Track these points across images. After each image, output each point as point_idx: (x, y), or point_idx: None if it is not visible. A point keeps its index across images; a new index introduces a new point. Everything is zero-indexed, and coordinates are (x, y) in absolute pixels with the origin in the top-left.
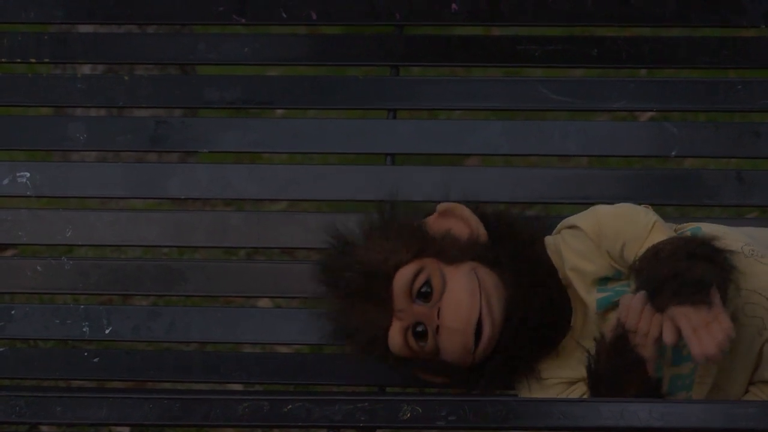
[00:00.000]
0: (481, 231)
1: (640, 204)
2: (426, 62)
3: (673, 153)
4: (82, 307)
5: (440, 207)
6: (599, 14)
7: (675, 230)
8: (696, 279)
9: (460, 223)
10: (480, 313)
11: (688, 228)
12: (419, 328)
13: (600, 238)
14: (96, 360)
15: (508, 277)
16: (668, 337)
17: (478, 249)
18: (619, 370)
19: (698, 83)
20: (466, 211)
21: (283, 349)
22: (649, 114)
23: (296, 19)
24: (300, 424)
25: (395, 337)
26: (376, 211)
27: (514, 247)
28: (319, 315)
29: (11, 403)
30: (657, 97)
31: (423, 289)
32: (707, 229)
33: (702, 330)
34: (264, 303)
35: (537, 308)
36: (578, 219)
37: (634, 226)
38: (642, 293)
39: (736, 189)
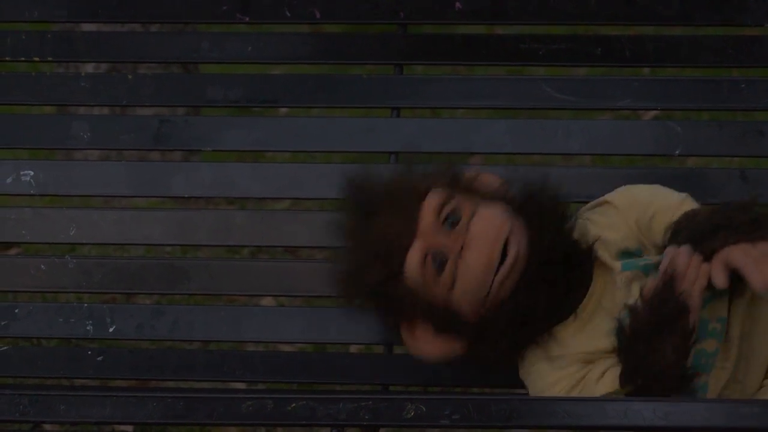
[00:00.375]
0: (510, 189)
1: None
2: (430, 61)
3: (677, 152)
4: (85, 305)
5: (468, 173)
6: (603, 13)
7: None
8: (750, 218)
9: (491, 177)
10: (508, 234)
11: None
12: (439, 258)
13: (629, 209)
14: (99, 359)
15: (534, 225)
16: (719, 280)
17: (507, 196)
18: (662, 321)
19: (702, 82)
20: (495, 177)
21: (287, 348)
22: (653, 113)
23: (300, 17)
24: (304, 422)
25: (414, 254)
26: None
27: (541, 205)
28: (335, 230)
29: (15, 402)
30: (660, 96)
31: (451, 218)
32: None
33: (763, 261)
34: (267, 302)
35: (557, 259)
36: (605, 196)
37: (665, 198)
38: (687, 245)
39: (739, 188)
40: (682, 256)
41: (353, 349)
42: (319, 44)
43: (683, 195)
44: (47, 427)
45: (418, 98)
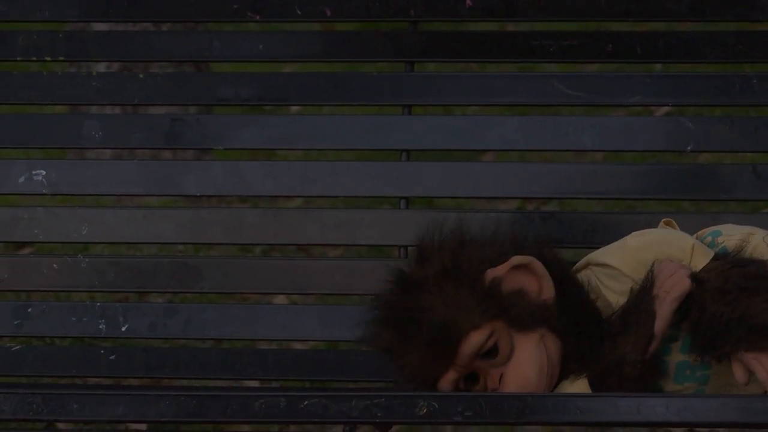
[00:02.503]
0: (552, 292)
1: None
2: (440, 58)
3: (689, 148)
4: (98, 304)
5: (515, 260)
6: (614, 9)
7: (696, 236)
8: (763, 323)
9: (531, 278)
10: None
11: (708, 232)
12: (471, 379)
13: (636, 273)
14: (112, 357)
15: (572, 340)
16: (742, 379)
17: (550, 316)
18: (628, 321)
19: (714, 78)
20: (540, 268)
21: (299, 346)
22: (665, 109)
23: (310, 15)
24: (316, 420)
25: (446, 384)
26: (441, 246)
27: (579, 311)
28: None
29: (28, 401)
30: (672, 92)
31: (489, 350)
32: (726, 231)
33: None
34: (280, 300)
35: (580, 358)
36: (607, 257)
37: (670, 251)
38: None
39: (752, 183)
40: (667, 265)
41: (366, 346)
42: (330, 42)
43: (689, 241)
44: (60, 425)
45: (429, 96)
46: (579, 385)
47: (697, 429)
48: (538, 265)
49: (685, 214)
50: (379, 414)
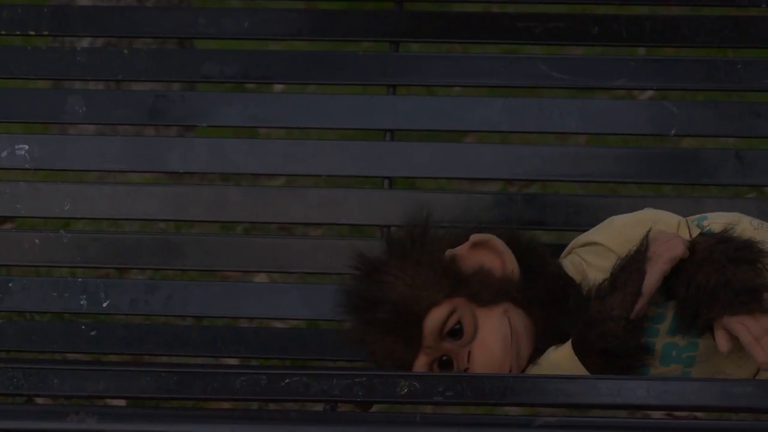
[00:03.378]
0: (515, 267)
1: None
2: (426, 38)
3: (672, 132)
4: (79, 280)
5: (474, 238)
6: None
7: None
8: (748, 287)
9: (492, 256)
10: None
11: (695, 218)
12: (445, 358)
13: (623, 247)
14: (93, 333)
15: (539, 314)
16: (723, 346)
17: (511, 289)
18: (617, 278)
19: (698, 62)
20: (500, 245)
21: (280, 325)
22: (649, 93)
23: None
24: (297, 398)
25: (420, 369)
26: (406, 233)
27: (546, 286)
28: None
29: (8, 375)
30: (657, 76)
31: (454, 328)
32: (713, 217)
33: (764, 338)
34: (261, 278)
35: (563, 336)
36: (594, 235)
37: (657, 227)
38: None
39: (735, 168)
40: (662, 234)
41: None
42: (315, 21)
43: (675, 218)
44: (40, 400)
45: (413, 76)
46: (563, 350)
47: (677, 413)
48: (498, 242)
49: (667, 198)
50: (360, 393)
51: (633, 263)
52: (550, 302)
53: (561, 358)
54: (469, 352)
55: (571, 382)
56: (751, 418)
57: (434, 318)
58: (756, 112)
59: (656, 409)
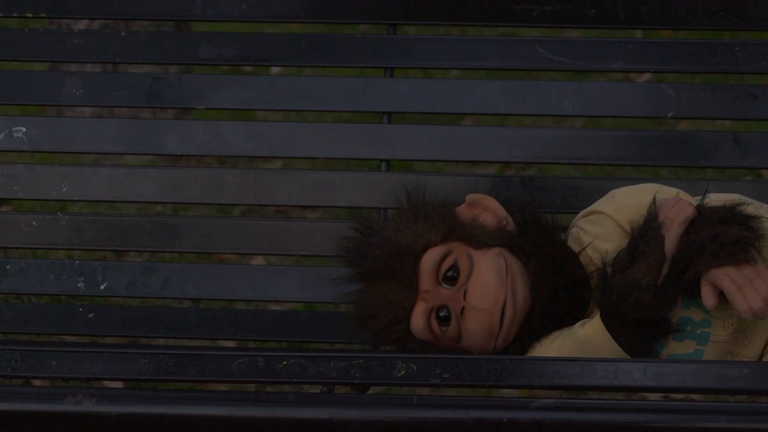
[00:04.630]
0: (509, 221)
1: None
2: (423, 21)
3: (670, 114)
4: (77, 262)
5: (469, 197)
6: None
7: None
8: (734, 239)
9: (487, 213)
10: (504, 299)
11: (697, 199)
12: (443, 312)
13: (621, 213)
14: (90, 315)
15: (533, 263)
16: (709, 302)
17: (505, 236)
18: (637, 247)
19: (695, 45)
20: (494, 202)
21: (277, 307)
22: (646, 75)
23: None
24: (295, 380)
25: (418, 318)
26: (405, 197)
27: (539, 236)
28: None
29: (6, 357)
30: (654, 59)
31: (449, 273)
32: (713, 198)
33: (747, 287)
34: (258, 261)
35: (560, 294)
36: (595, 205)
37: (660, 196)
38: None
39: (732, 151)
40: (668, 199)
41: (343, 308)
42: (313, 3)
43: (674, 189)
44: (37, 382)
45: (411, 58)
46: (592, 325)
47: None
48: (492, 200)
49: (664, 180)
50: (357, 375)
51: (649, 230)
52: (545, 256)
53: (591, 334)
54: (465, 290)
55: (567, 364)
56: (748, 400)
57: (430, 257)
58: (753, 94)
59: (653, 391)
